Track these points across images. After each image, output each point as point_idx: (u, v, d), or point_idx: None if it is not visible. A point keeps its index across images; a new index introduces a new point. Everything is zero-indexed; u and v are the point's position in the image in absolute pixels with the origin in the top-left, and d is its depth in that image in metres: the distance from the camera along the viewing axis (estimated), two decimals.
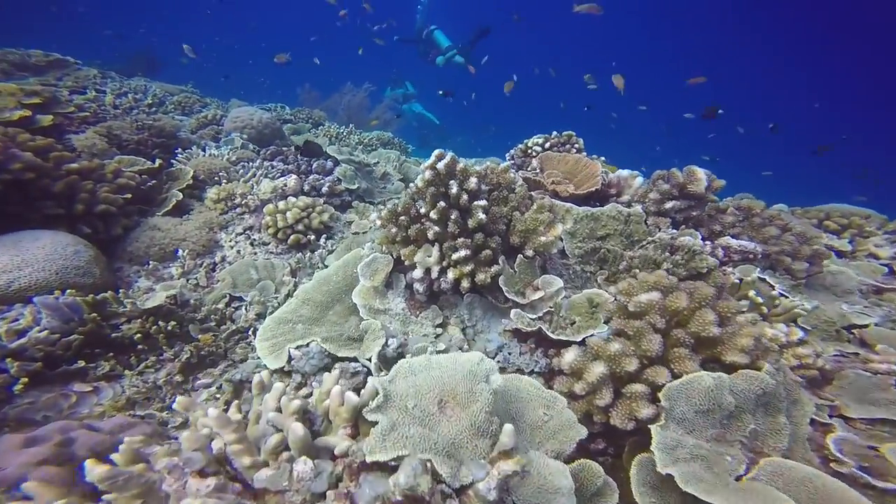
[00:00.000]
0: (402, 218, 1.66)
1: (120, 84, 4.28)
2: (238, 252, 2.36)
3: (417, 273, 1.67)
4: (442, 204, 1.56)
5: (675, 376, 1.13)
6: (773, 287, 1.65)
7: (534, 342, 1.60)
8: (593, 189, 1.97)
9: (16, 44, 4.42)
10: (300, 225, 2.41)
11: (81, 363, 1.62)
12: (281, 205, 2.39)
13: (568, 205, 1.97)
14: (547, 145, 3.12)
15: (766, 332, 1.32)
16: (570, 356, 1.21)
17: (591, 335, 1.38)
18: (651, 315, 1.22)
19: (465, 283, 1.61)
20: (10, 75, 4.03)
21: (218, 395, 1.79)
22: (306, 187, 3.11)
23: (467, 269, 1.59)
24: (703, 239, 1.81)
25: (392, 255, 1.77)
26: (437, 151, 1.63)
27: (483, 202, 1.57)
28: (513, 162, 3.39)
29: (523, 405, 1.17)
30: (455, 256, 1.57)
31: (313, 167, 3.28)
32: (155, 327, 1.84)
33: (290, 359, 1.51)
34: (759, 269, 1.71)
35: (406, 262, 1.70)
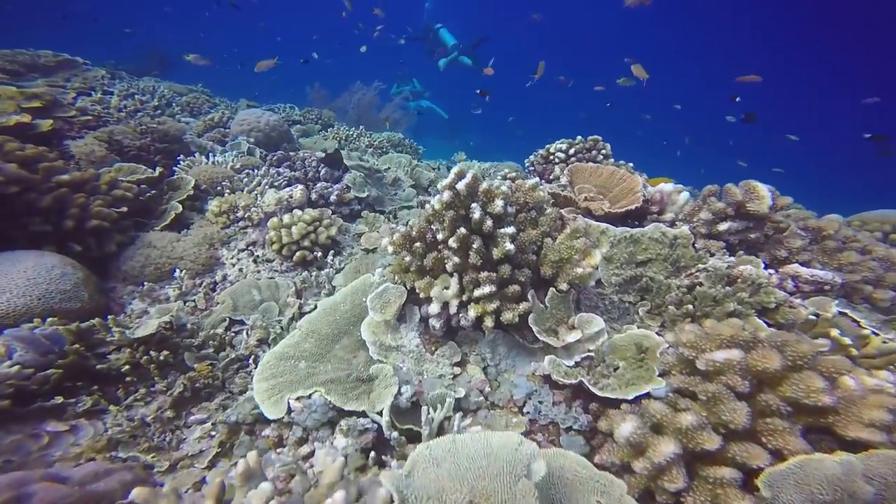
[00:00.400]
0: (417, 245, 1.43)
1: (128, 85, 4.13)
2: (240, 270, 2.16)
3: (434, 308, 1.44)
4: (462, 230, 1.33)
5: (772, 455, 0.89)
6: (858, 323, 1.38)
7: (570, 390, 1.36)
8: (632, 207, 1.71)
9: (30, 44, 4.30)
10: (306, 240, 2.20)
11: (59, 399, 1.44)
12: (286, 218, 2.18)
13: (603, 226, 1.72)
14: (571, 151, 2.85)
15: (867, 381, 1.06)
16: (627, 429, 0.97)
17: (647, 393, 1.14)
18: (729, 376, 0.97)
19: (489, 322, 1.38)
20: (19, 76, 3.90)
21: (213, 433, 1.61)
22: (314, 196, 2.90)
23: (492, 307, 1.36)
24: (765, 266, 1.54)
25: (405, 286, 1.54)
26: (456, 168, 1.39)
27: (510, 230, 1.33)
28: (532, 168, 3.12)
29: (570, 491, 0.93)
30: (478, 293, 1.34)
31: (321, 174, 3.08)
32: (146, 357, 1.66)
33: (289, 409, 1.30)
34: (836, 300, 1.44)
35: (421, 295, 1.48)
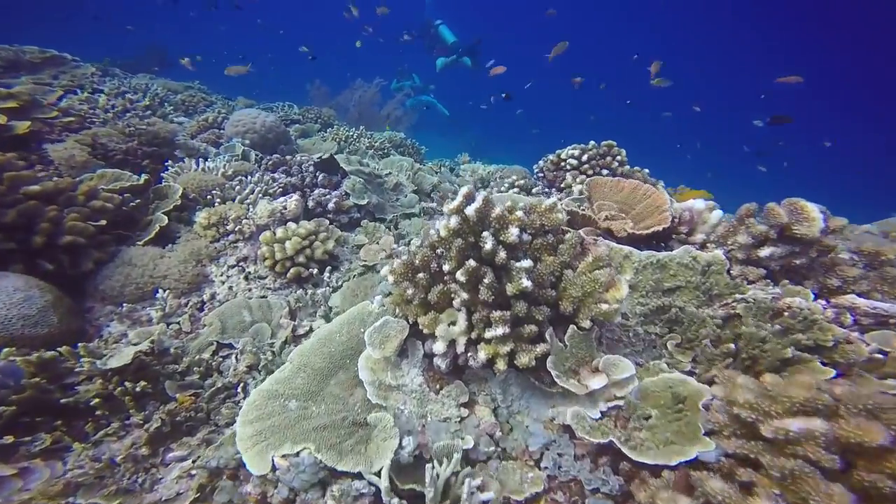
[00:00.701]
0: (421, 276, 1.25)
1: (119, 83, 3.92)
2: (230, 289, 1.99)
3: (439, 347, 1.27)
4: (472, 263, 1.15)
5: None
6: None
7: (596, 444, 1.19)
8: (659, 229, 1.53)
9: (32, 41, 4.09)
10: (301, 256, 2.02)
11: (9, 438, 1.27)
12: (279, 232, 2.00)
13: (627, 249, 1.53)
14: (584, 158, 2.66)
15: None
16: None
17: (695, 458, 0.96)
18: (811, 448, 0.80)
19: (501, 365, 1.20)
20: (0, 74, 3.71)
21: (193, 472, 1.44)
22: (311, 203, 2.72)
23: (505, 349, 1.18)
24: (815, 296, 1.36)
25: (407, 320, 1.37)
26: (464, 190, 1.21)
27: (527, 263, 1.15)
28: (542, 175, 2.93)
29: None
30: (489, 334, 1.16)
31: (319, 180, 2.89)
32: (120, 388, 1.49)
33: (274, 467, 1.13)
34: None
35: (425, 331, 1.30)
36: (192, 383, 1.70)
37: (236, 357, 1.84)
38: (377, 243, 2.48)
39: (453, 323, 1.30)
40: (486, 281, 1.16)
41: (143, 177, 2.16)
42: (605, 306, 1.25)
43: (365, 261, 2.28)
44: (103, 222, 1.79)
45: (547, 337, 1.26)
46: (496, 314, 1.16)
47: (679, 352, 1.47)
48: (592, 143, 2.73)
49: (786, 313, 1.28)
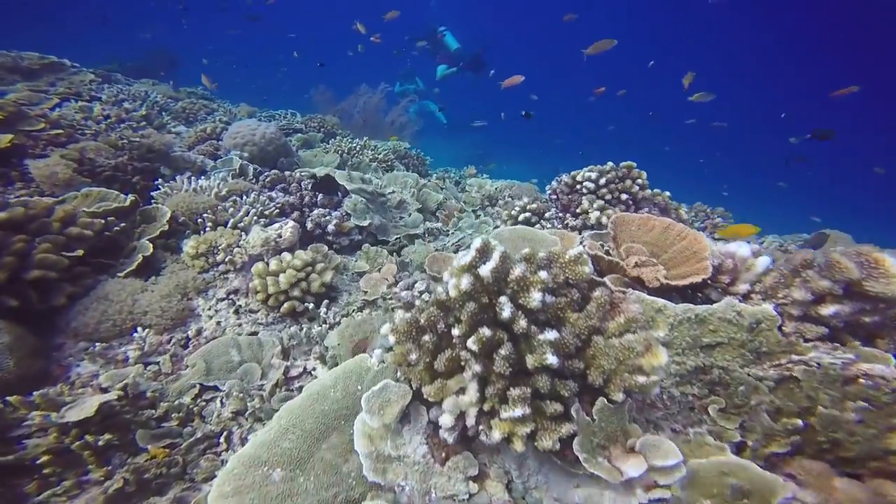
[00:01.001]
0: (426, 338, 1.07)
1: (118, 90, 3.79)
2: (218, 324, 1.81)
3: (446, 420, 1.08)
4: (486, 332, 0.97)
5: None
6: None
7: None
8: (698, 280, 1.34)
9: (31, 41, 3.98)
10: (296, 290, 1.85)
11: None
12: (273, 264, 1.83)
13: (660, 302, 1.35)
14: (602, 181, 2.47)
15: None
16: None
17: None
18: None
19: (519, 446, 1.02)
20: None
21: None
22: (309, 225, 2.55)
23: (524, 430, 1.00)
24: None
25: (410, 384, 1.19)
26: (477, 244, 1.03)
27: (552, 335, 0.97)
28: (555, 197, 2.75)
29: None
30: (506, 415, 0.98)
31: (318, 199, 2.72)
32: (80, 442, 1.32)
33: None
34: None
35: (430, 399, 1.12)
36: (169, 431, 1.52)
37: (221, 401, 1.67)
38: (378, 271, 2.31)
39: (462, 390, 1.12)
40: (502, 352, 0.98)
41: (130, 197, 2.00)
42: (641, 379, 1.07)
43: (365, 292, 2.10)
44: (80, 252, 1.63)
45: (573, 413, 1.07)
46: (515, 392, 0.97)
47: (724, 418, 1.28)
48: (610, 164, 2.55)
49: (862, 381, 1.09)
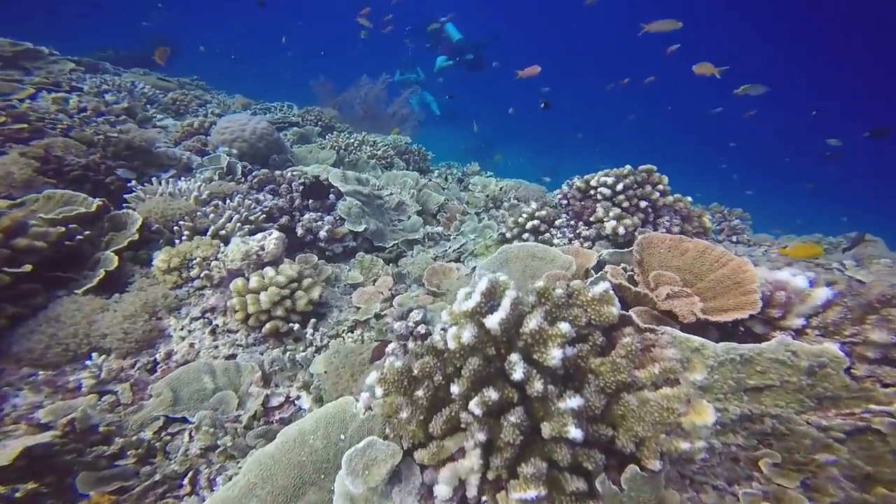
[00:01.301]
0: (419, 393, 0.87)
1: (101, 80, 3.55)
2: (191, 346, 1.62)
3: (443, 491, 0.89)
4: (492, 396, 0.77)
5: None
6: None
7: None
8: (744, 316, 1.13)
9: (23, 29, 3.73)
10: (280, 309, 1.65)
11: None
12: (254, 281, 1.63)
13: (697, 341, 1.13)
14: (619, 186, 2.24)
15: None
16: None
17: None
18: None
19: None
20: None
21: None
22: (300, 231, 2.34)
23: None
24: None
25: (401, 442, 0.99)
26: (484, 284, 0.81)
27: (575, 403, 0.76)
28: (566, 203, 2.52)
29: None
30: (517, 496, 0.78)
31: (311, 202, 2.51)
32: None
33: None
34: None
35: (424, 463, 0.93)
36: (123, 472, 1.33)
37: (190, 435, 1.48)
38: (373, 283, 2.10)
39: (462, 451, 0.92)
40: (512, 419, 0.78)
41: (96, 202, 1.79)
42: (684, 445, 0.86)
43: (358, 308, 1.90)
44: (27, 268, 1.43)
45: (598, 487, 0.87)
46: (527, 470, 0.77)
47: (780, 474, 1.08)
48: (628, 167, 2.31)
49: None
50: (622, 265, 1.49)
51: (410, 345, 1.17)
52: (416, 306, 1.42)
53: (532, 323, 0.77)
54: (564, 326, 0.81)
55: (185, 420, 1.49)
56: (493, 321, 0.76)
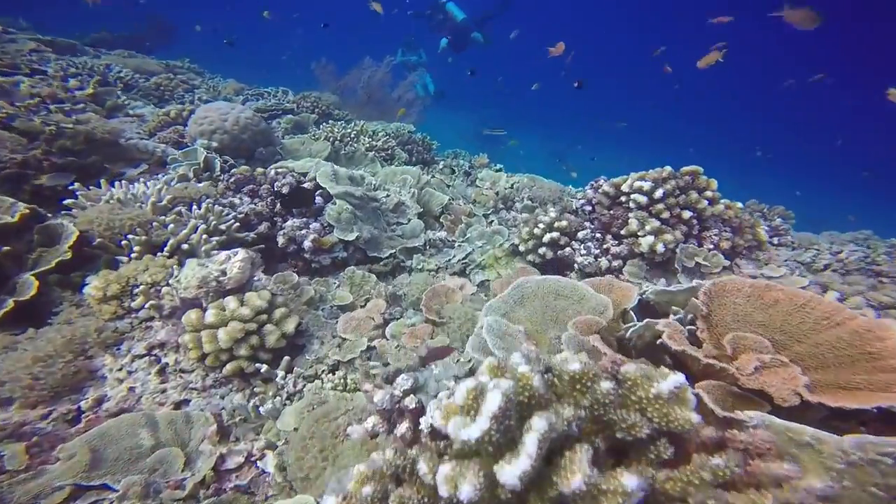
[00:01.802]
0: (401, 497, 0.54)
1: (67, 63, 3.17)
2: (131, 390, 1.30)
3: None
4: None
5: None
6: None
7: None
8: (883, 406, 0.77)
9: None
10: (243, 347, 1.31)
11: None
12: (211, 315, 1.29)
13: (807, 432, 0.78)
14: (658, 193, 1.83)
15: None
16: None
17: None
18: None
19: None
20: None
21: None
22: (281, 240, 1.99)
23: None
24: None
25: None
26: (495, 403, 0.46)
27: None
28: (590, 209, 2.13)
29: None
30: None
31: (294, 209, 2.14)
32: None
33: None
34: None
35: None
36: None
37: None
38: (363, 306, 1.76)
39: None
40: None
41: (18, 212, 1.44)
42: None
43: (344, 339, 1.56)
44: None
45: None
46: None
47: None
48: (668, 168, 1.90)
49: None
50: (672, 309, 1.12)
51: (398, 429, 0.83)
52: (405, 367, 1.07)
53: (575, 481, 0.42)
54: (631, 482, 0.46)
55: (106, 487, 1.17)
56: (510, 475, 0.42)
